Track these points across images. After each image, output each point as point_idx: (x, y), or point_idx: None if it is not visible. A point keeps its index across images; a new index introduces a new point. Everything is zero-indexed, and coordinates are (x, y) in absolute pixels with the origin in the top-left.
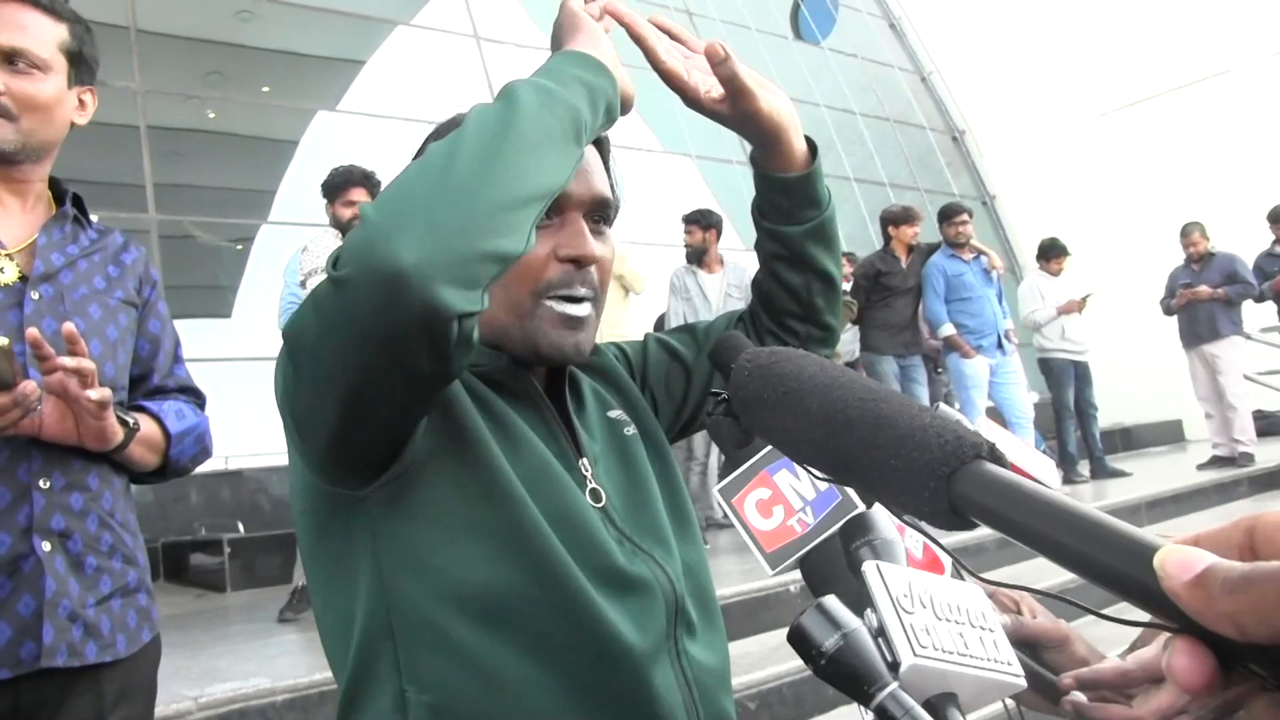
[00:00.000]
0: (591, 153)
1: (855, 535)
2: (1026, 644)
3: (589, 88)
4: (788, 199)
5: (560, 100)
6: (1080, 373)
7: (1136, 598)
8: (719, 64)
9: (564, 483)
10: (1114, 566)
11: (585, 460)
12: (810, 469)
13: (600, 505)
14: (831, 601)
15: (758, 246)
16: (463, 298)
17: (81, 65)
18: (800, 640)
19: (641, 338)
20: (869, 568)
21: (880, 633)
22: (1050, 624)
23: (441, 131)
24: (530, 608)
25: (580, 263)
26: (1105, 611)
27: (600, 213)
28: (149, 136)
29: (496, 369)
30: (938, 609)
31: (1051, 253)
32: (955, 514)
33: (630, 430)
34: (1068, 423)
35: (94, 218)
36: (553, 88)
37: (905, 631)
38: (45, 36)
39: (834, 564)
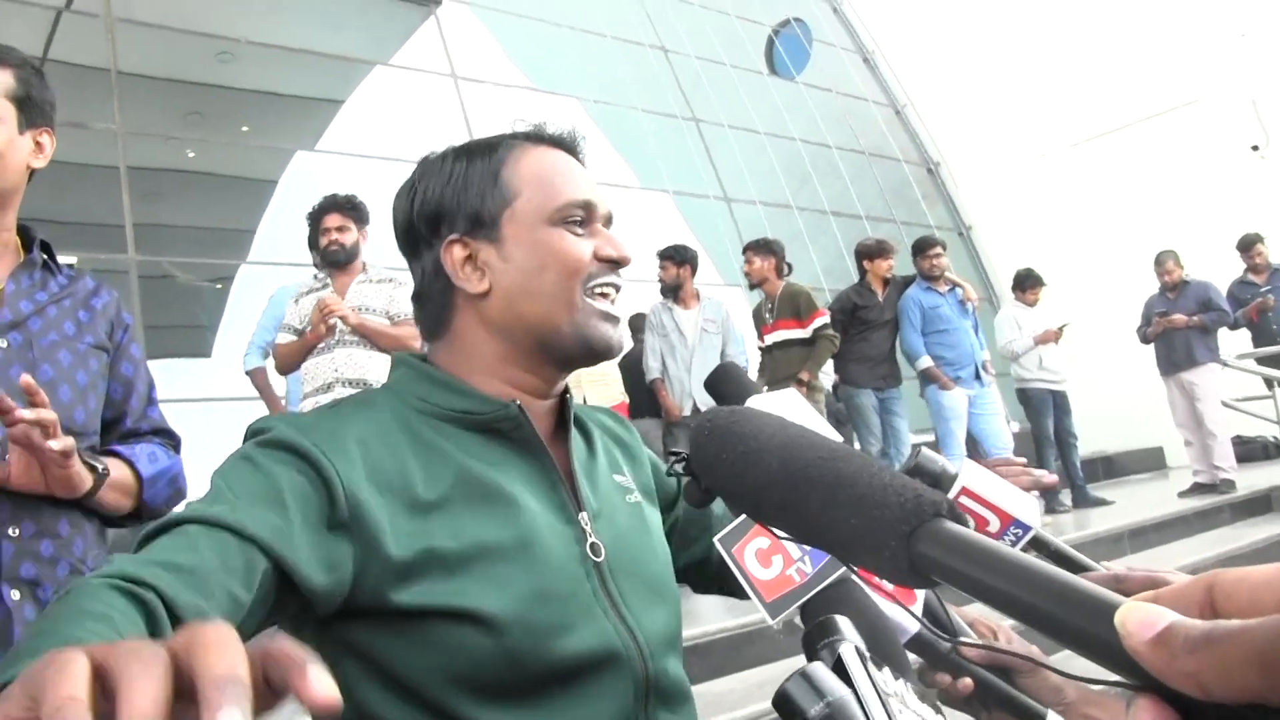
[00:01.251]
0: (583, 171)
1: (820, 638)
2: (1001, 670)
3: None
4: None
5: None
6: (1059, 402)
7: (1099, 655)
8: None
9: (545, 555)
10: (1076, 624)
11: (585, 515)
12: (773, 529)
13: (598, 560)
14: (817, 668)
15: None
16: None
17: (31, 108)
18: (785, 706)
19: (623, 398)
20: (848, 650)
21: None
22: (1023, 650)
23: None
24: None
25: (619, 264)
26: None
27: (609, 224)
28: (129, 177)
29: (498, 417)
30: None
31: (1027, 283)
32: (916, 573)
33: (634, 499)
34: (1048, 452)
35: (71, 260)
36: None
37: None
38: None
39: (834, 610)
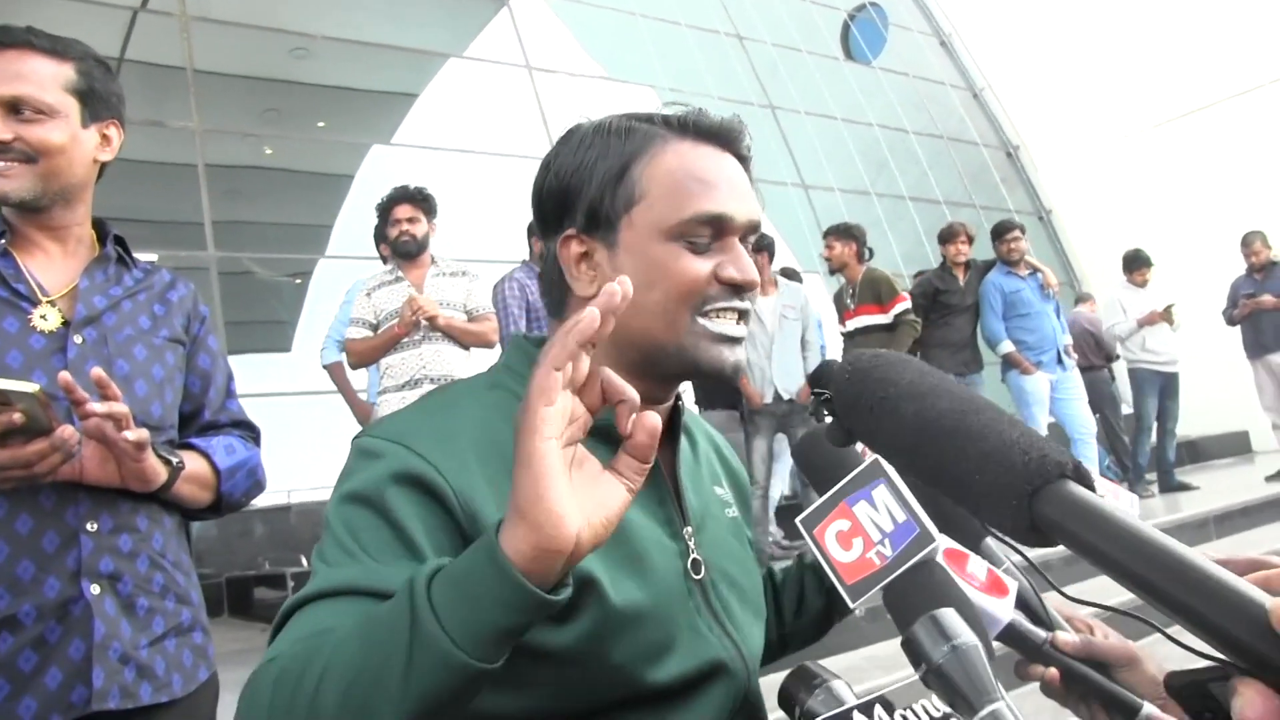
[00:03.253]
0: (742, 174)
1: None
2: (1098, 664)
3: (514, 632)
4: None
5: (469, 676)
6: (1166, 384)
7: (1214, 636)
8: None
9: (654, 569)
10: (1194, 604)
11: (689, 529)
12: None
13: (699, 578)
14: (946, 614)
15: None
16: None
17: (96, 101)
18: (911, 648)
19: None
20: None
21: None
22: (1119, 644)
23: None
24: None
25: (742, 288)
26: (1170, 632)
27: (754, 235)
28: (207, 175)
29: (609, 422)
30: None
31: (1135, 264)
32: (1037, 532)
33: (733, 513)
34: (1142, 434)
35: (150, 257)
36: (463, 665)
37: None
38: (47, 80)
39: (917, 594)
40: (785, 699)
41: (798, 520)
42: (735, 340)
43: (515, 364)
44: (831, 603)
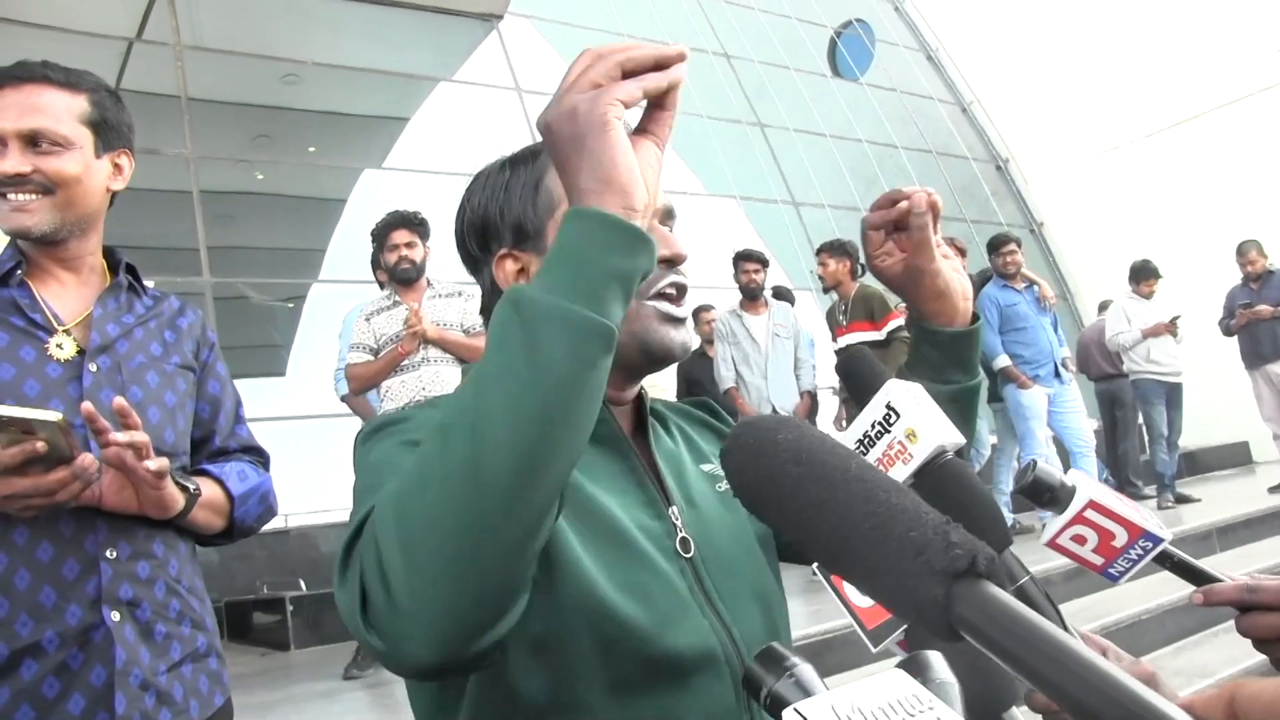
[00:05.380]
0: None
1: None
2: None
3: (626, 283)
4: (939, 353)
5: (597, 335)
6: (1170, 395)
7: None
8: (919, 214)
9: (639, 553)
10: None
11: (675, 509)
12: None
13: (689, 556)
14: (933, 655)
15: None
16: (491, 646)
17: (108, 131)
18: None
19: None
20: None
21: None
22: (1131, 664)
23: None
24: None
25: (674, 261)
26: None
27: (668, 221)
28: (201, 201)
29: (609, 429)
30: (874, 714)
31: (1142, 275)
32: (953, 633)
33: (724, 486)
34: (1157, 445)
35: (150, 283)
36: (585, 319)
37: None
38: (62, 112)
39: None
40: (750, 682)
41: (814, 566)
42: (680, 320)
43: None
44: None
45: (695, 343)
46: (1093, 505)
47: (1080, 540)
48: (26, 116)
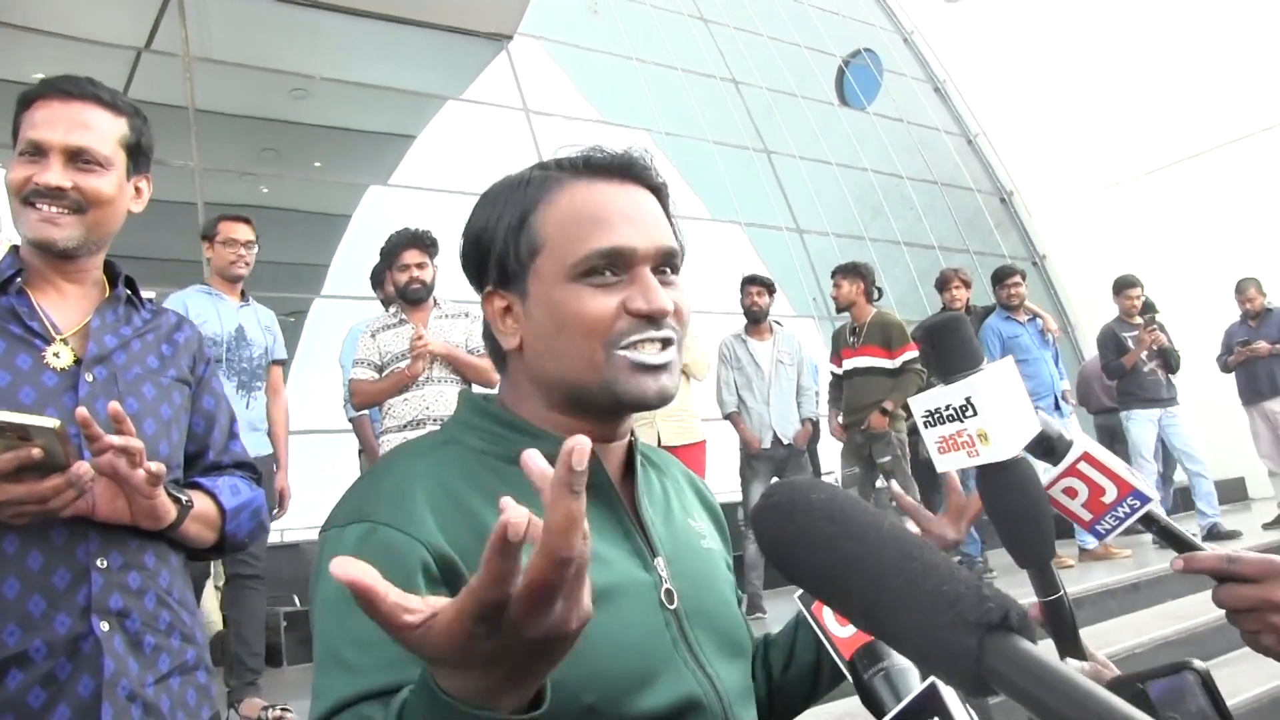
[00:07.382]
0: (652, 202)
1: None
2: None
3: None
4: None
5: None
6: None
7: None
8: None
9: (626, 608)
10: None
11: (660, 560)
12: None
13: (673, 608)
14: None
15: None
16: None
17: (139, 156)
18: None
19: (701, 437)
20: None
21: None
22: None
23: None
24: None
25: (652, 317)
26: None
27: (667, 263)
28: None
29: (597, 478)
30: None
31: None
32: (984, 685)
33: (708, 544)
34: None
35: (149, 294)
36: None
37: None
38: (106, 133)
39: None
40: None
41: (796, 596)
42: (656, 368)
43: (467, 418)
44: (820, 659)
45: (675, 388)
46: (1087, 458)
47: (1071, 493)
48: (75, 132)
